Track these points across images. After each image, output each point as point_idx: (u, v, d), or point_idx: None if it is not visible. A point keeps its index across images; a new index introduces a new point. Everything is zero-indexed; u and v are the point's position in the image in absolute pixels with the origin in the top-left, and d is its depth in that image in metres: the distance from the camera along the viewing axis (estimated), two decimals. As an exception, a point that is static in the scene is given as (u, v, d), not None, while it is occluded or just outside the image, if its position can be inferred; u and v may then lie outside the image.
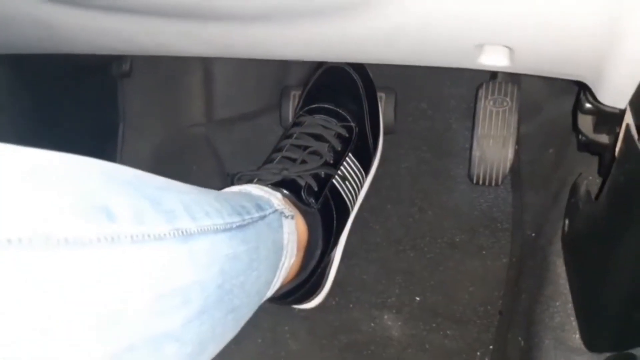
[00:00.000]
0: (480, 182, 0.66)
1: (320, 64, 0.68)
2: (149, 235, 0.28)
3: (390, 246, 0.72)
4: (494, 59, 0.36)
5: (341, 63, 0.65)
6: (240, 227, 0.38)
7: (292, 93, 0.72)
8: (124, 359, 0.27)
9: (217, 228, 0.35)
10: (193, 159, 0.83)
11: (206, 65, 0.83)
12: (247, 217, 0.40)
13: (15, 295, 0.22)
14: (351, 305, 0.69)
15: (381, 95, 0.68)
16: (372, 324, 0.67)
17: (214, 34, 0.38)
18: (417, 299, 0.68)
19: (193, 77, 0.84)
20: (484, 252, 0.69)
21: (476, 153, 0.64)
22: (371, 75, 0.67)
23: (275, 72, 0.83)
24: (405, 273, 0.70)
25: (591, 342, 0.46)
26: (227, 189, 0.52)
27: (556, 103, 0.72)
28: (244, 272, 0.39)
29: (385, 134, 0.68)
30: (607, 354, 0.44)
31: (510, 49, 0.34)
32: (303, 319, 0.68)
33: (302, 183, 0.56)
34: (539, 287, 0.56)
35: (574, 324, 0.50)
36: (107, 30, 0.41)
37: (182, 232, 0.31)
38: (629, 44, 0.26)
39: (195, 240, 0.32)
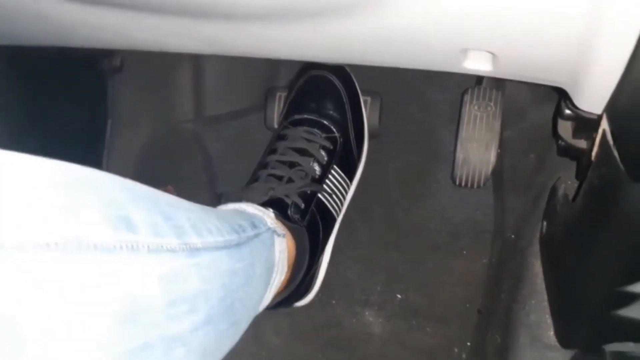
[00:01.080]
0: (463, 183, 0.68)
1: (303, 70, 0.68)
2: (162, 247, 0.31)
3: (374, 245, 0.73)
4: (478, 64, 0.37)
5: (324, 70, 0.65)
6: (237, 245, 0.41)
7: (278, 94, 0.73)
8: (140, 356, 0.29)
9: (218, 245, 0.37)
10: (182, 155, 0.84)
11: (196, 62, 0.84)
12: (243, 235, 0.43)
13: (55, 294, 0.24)
14: (334, 302, 0.70)
15: (366, 99, 0.69)
16: (354, 320, 0.69)
17: (209, 32, 0.39)
18: (399, 296, 0.70)
19: (183, 74, 0.85)
20: (465, 252, 0.71)
21: (460, 155, 0.66)
22: (355, 81, 0.68)
23: (265, 72, 0.84)
24: (388, 272, 0.71)
25: (564, 339, 0.48)
26: (223, 206, 0.54)
27: (539, 110, 0.74)
28: (242, 287, 0.41)
29: (370, 137, 0.69)
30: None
31: (493, 54, 0.35)
32: (286, 315, 0.69)
33: (289, 202, 0.57)
34: (517, 287, 0.58)
35: (549, 321, 0.52)
36: (104, 25, 0.41)
37: (190, 246, 0.34)
38: (603, 53, 0.28)
39: (200, 255, 0.35)
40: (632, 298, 0.42)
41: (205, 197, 0.80)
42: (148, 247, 0.29)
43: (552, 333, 0.51)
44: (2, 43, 0.58)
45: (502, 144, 0.72)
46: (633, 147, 0.33)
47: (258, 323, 0.67)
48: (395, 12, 0.32)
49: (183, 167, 0.83)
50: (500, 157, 0.72)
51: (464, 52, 0.37)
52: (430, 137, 0.76)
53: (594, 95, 0.32)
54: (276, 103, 0.73)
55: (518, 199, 0.72)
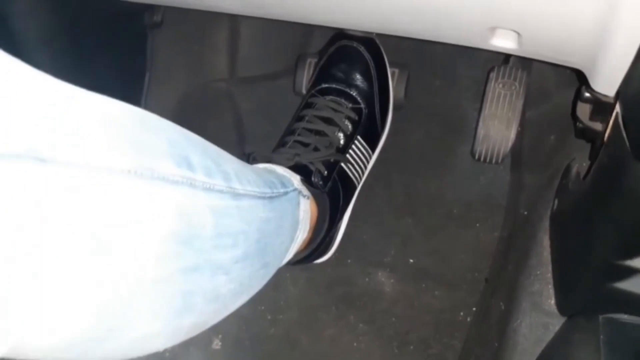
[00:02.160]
0: (482, 158, 0.70)
1: (334, 39, 0.70)
2: (213, 187, 0.35)
3: (391, 211, 0.77)
4: (504, 42, 0.40)
5: (354, 41, 0.67)
6: (270, 197, 0.45)
7: (308, 60, 0.75)
8: (191, 275, 0.34)
9: (255, 194, 0.42)
10: (213, 112, 0.88)
11: (233, 23, 0.87)
12: (275, 190, 0.47)
13: (128, 213, 0.29)
14: (349, 261, 0.74)
15: (394, 71, 0.71)
16: (367, 279, 0.73)
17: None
18: (411, 260, 0.74)
19: (220, 34, 0.88)
20: (477, 224, 0.74)
21: (481, 131, 0.69)
22: (384, 53, 0.69)
23: (298, 38, 0.87)
24: (402, 237, 0.75)
25: (563, 307, 0.52)
26: (256, 165, 0.58)
27: (563, 93, 0.76)
28: (273, 234, 0.46)
29: (394, 109, 0.72)
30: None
31: (518, 33, 0.38)
32: (303, 269, 0.73)
33: (313, 169, 0.61)
34: (524, 259, 0.61)
35: (551, 291, 0.55)
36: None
37: (234, 191, 0.38)
38: (618, 37, 0.30)
39: (242, 200, 0.39)
40: (629, 272, 0.46)
41: (234, 154, 0.84)
42: (202, 185, 0.34)
43: (552, 301, 0.54)
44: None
45: (523, 124, 0.74)
46: (634, 129, 0.35)
47: (278, 273, 0.72)
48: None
49: (214, 124, 0.87)
50: (520, 135, 0.74)
51: (492, 29, 0.40)
52: (454, 112, 0.79)
53: (607, 78, 0.35)
54: (306, 69, 0.75)
55: (534, 178, 0.74)
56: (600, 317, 0.44)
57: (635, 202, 0.38)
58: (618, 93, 0.37)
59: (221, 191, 0.36)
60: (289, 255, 0.56)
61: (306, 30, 0.86)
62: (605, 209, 0.43)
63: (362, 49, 0.67)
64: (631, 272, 0.45)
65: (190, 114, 0.88)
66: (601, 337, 0.42)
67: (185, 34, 0.88)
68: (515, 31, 0.37)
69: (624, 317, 0.47)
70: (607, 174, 0.42)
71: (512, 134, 0.68)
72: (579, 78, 0.40)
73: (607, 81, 0.35)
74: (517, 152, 0.76)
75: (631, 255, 0.44)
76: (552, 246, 0.57)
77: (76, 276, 0.27)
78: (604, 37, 0.30)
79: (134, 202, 0.29)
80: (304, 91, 0.74)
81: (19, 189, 0.23)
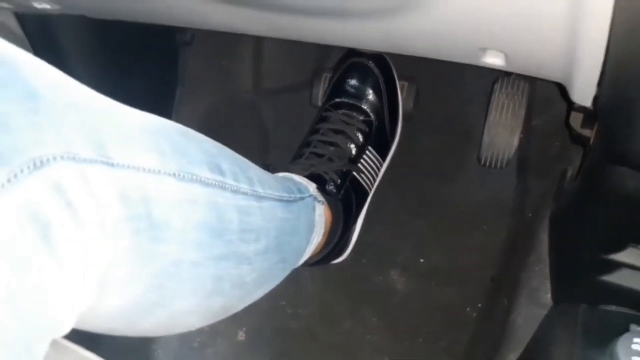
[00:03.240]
0: (487, 164, 0.75)
1: (346, 56, 0.76)
2: (240, 189, 0.42)
3: (404, 214, 0.82)
4: (493, 60, 0.45)
5: (365, 58, 0.73)
6: (288, 201, 0.52)
7: (324, 75, 0.81)
8: (221, 263, 0.40)
9: (275, 197, 0.48)
10: (239, 121, 0.94)
11: (257, 40, 0.93)
12: (292, 195, 0.54)
13: (173, 208, 0.35)
14: (364, 260, 0.80)
15: (404, 84, 0.77)
16: (380, 277, 0.78)
17: (274, 21, 0.48)
18: (422, 260, 0.79)
19: (245, 50, 0.95)
20: (485, 226, 0.79)
21: (486, 138, 0.73)
22: (393, 68, 0.75)
23: (318, 52, 0.93)
24: (414, 237, 0.80)
25: (557, 298, 0.56)
26: (276, 174, 0.64)
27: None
28: (289, 233, 0.52)
29: (404, 119, 0.77)
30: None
31: (505, 53, 0.43)
32: (321, 268, 0.79)
33: (327, 178, 0.67)
34: (525, 256, 0.66)
35: (548, 286, 0.60)
36: (185, 10, 0.51)
37: (257, 193, 0.45)
38: (585, 55, 0.35)
39: (263, 201, 0.46)
40: (614, 265, 0.50)
41: (258, 161, 0.90)
42: (231, 187, 0.40)
43: (549, 295, 0.59)
44: (97, 17, 0.69)
45: (529, 130, 0.79)
46: (606, 135, 0.40)
47: (297, 271, 0.78)
48: (426, 17, 0.41)
49: (240, 132, 0.93)
50: (526, 142, 0.79)
51: (483, 49, 0.45)
52: (462, 120, 0.83)
53: (582, 90, 0.40)
54: (321, 83, 0.81)
55: (539, 182, 0.79)
56: (583, 305, 0.49)
57: (610, 202, 0.43)
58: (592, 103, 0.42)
59: (246, 193, 0.43)
60: (306, 256, 0.62)
61: (324, 46, 0.92)
62: (589, 208, 0.48)
63: (371, 65, 0.73)
64: (615, 265, 0.50)
65: (218, 123, 0.95)
66: (580, 321, 0.46)
67: (214, 50, 0.96)
68: (501, 51, 0.42)
69: (607, 307, 0.52)
70: (590, 176, 0.47)
71: (516, 141, 0.73)
72: (561, 91, 0.45)
73: (582, 93, 0.40)
74: (523, 158, 0.81)
75: (614, 250, 0.49)
76: (549, 243, 0.61)
77: (134, 250, 0.33)
78: (575, 55, 0.35)
79: (178, 197, 0.35)
80: (319, 103, 0.80)
81: (99, 187, 0.29)
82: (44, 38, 0.76)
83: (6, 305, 0.25)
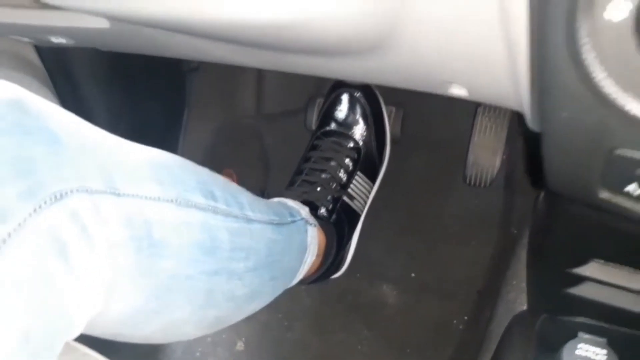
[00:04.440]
0: (472, 182, 0.79)
1: (335, 86, 0.81)
2: (231, 213, 0.47)
3: (396, 231, 0.86)
4: (459, 91, 0.50)
5: (352, 88, 0.78)
6: (278, 224, 0.57)
7: (318, 101, 0.87)
8: (212, 277, 0.45)
9: (265, 221, 0.54)
10: (242, 144, 1.00)
11: (259, 68, 0.99)
12: (283, 219, 0.59)
13: (168, 231, 0.40)
14: (358, 275, 0.84)
15: (391, 109, 0.82)
16: (373, 291, 0.82)
17: (268, 57, 0.54)
18: (413, 275, 0.83)
19: (248, 76, 1.01)
20: (473, 242, 0.83)
21: (470, 158, 0.78)
22: (379, 96, 0.80)
23: (314, 78, 0.98)
24: (406, 253, 0.84)
25: (532, 309, 0.60)
26: (271, 199, 0.70)
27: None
28: (280, 254, 0.57)
29: (393, 143, 0.82)
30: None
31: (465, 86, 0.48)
32: (317, 285, 0.83)
33: (319, 204, 0.73)
34: (505, 271, 0.70)
35: (525, 298, 0.64)
36: (190, 46, 0.57)
37: (247, 217, 0.50)
38: (519, 88, 0.40)
39: (253, 224, 0.51)
40: (578, 279, 0.54)
41: (259, 181, 0.96)
42: (222, 211, 0.46)
43: (525, 307, 0.63)
44: (110, 50, 0.75)
45: (514, 150, 0.83)
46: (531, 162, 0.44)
47: (294, 286, 0.83)
48: (394, 56, 0.46)
49: (242, 155, 0.99)
50: (512, 161, 0.83)
51: (448, 82, 0.50)
52: (449, 141, 0.88)
53: (531, 118, 0.44)
54: (315, 108, 0.87)
55: (524, 200, 0.82)
56: (543, 314, 0.52)
57: (565, 223, 0.47)
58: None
59: (236, 216, 0.48)
60: (300, 275, 0.67)
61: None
62: (553, 227, 0.52)
63: (358, 94, 0.78)
64: (579, 279, 0.53)
65: (222, 145, 1.01)
66: (536, 329, 0.49)
67: (218, 76, 1.02)
68: (461, 84, 0.47)
69: (564, 317, 0.55)
70: (547, 199, 0.51)
71: (498, 161, 0.77)
72: (518, 119, 0.49)
73: (531, 121, 0.45)
74: (509, 176, 0.85)
75: (578, 265, 0.53)
76: (527, 258, 0.65)
77: (135, 265, 0.38)
78: (518, 88, 0.40)
79: (175, 220, 0.41)
80: (313, 127, 0.85)
81: (108, 213, 0.35)
82: (59, 67, 0.83)
83: (33, 310, 0.31)
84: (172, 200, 0.40)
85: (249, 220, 0.50)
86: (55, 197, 0.32)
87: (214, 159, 0.95)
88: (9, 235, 0.29)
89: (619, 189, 0.34)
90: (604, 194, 0.36)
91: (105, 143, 0.38)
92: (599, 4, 0.28)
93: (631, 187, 0.33)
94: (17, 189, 0.30)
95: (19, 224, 0.30)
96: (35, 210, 0.31)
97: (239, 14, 0.39)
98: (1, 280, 0.29)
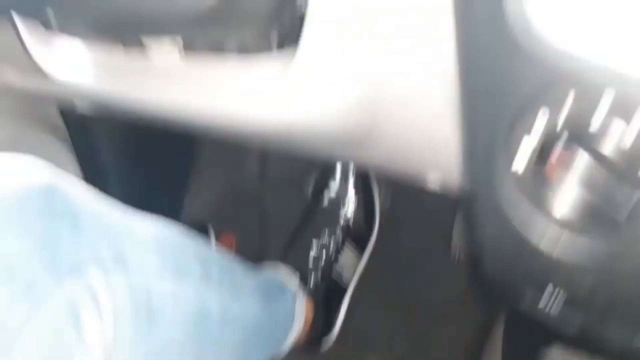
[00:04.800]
0: (458, 260, 0.83)
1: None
2: (222, 290, 0.52)
3: (383, 305, 0.89)
4: (434, 176, 0.55)
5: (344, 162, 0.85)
6: (267, 296, 0.63)
7: (315, 172, 0.92)
8: (203, 345, 0.51)
9: (254, 293, 0.59)
10: (245, 207, 1.04)
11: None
12: (273, 291, 0.65)
13: (174, 300, 0.46)
14: (347, 345, 0.86)
15: (381, 185, 0.87)
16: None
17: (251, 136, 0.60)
18: (397, 347, 0.85)
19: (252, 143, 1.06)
20: (456, 320, 0.85)
21: (456, 235, 0.82)
22: (369, 173, 0.86)
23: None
24: (391, 329, 0.87)
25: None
26: (262, 271, 0.74)
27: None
28: (268, 324, 0.63)
29: (382, 217, 0.87)
30: None
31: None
32: (306, 354, 0.85)
33: (309, 274, 0.78)
34: (484, 349, 0.72)
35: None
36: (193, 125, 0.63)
37: (238, 290, 0.55)
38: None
39: (243, 296, 0.57)
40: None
41: (259, 242, 1.00)
42: (215, 288, 0.51)
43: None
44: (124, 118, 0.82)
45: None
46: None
47: (290, 356, 0.84)
48: (372, 150, 0.51)
49: (245, 216, 1.03)
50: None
51: (426, 170, 0.55)
52: (438, 217, 0.91)
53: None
54: (313, 180, 0.92)
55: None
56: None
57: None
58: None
59: (228, 289, 0.54)
60: (288, 344, 0.70)
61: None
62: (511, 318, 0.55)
63: (351, 169, 0.84)
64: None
65: (226, 206, 1.05)
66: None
67: (223, 142, 1.07)
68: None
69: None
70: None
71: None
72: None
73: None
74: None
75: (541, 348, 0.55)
76: (502, 339, 0.68)
77: (135, 329, 0.42)
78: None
79: (172, 292, 0.46)
80: (310, 197, 0.90)
81: (117, 286, 0.40)
82: (80, 131, 0.89)
83: None
84: (171, 271, 0.46)
85: (240, 293, 0.56)
86: (75, 273, 0.37)
87: (218, 219, 1.00)
88: (34, 311, 0.34)
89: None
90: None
91: (117, 219, 0.44)
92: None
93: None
94: (42, 264, 0.36)
95: (43, 295, 0.35)
96: (56, 284, 0.36)
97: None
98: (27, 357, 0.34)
